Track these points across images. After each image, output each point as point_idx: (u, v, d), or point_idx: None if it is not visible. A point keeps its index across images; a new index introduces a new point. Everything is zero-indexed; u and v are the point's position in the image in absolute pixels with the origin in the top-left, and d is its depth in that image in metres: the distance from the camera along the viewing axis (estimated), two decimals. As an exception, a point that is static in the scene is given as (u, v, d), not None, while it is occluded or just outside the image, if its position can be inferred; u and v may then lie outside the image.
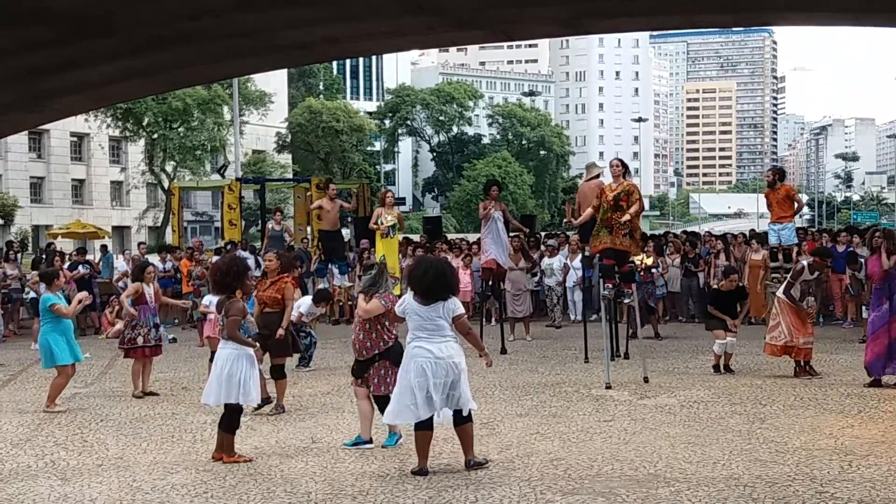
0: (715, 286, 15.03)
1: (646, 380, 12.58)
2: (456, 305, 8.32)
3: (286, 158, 78.81)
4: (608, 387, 12.15)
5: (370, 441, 9.24)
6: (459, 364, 8.18)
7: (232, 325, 8.95)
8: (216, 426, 9.13)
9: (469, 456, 8.35)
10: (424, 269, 8.44)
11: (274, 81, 68.28)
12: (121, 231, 67.20)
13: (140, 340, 12.53)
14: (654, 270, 18.67)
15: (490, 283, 16.76)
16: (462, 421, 8.28)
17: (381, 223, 16.82)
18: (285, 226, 23.12)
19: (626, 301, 14.06)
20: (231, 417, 8.92)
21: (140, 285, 12.83)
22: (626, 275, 13.70)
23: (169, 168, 57.35)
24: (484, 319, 19.81)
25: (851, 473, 7.96)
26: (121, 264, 24.21)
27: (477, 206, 17.46)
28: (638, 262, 17.03)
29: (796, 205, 15.98)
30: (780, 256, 15.86)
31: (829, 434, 9.45)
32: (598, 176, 15.64)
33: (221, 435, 8.91)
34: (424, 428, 8.22)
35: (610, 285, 13.32)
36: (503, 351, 15.88)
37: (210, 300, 12.39)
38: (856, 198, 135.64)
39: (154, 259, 23.41)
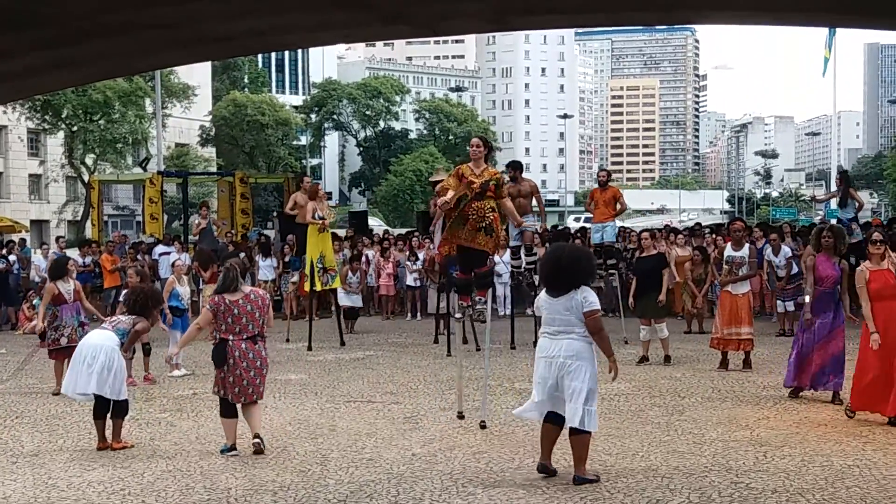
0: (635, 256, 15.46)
1: (460, 415, 10.23)
2: (588, 299, 7.55)
3: (210, 152, 77.80)
4: (461, 415, 10.22)
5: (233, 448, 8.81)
6: (574, 367, 7.50)
7: (135, 338, 9.79)
8: (133, 421, 9.51)
9: (577, 472, 7.63)
10: (549, 257, 7.98)
11: (197, 74, 67.20)
12: (39, 225, 65.67)
13: (64, 341, 12.13)
14: None
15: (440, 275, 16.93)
16: (573, 431, 7.60)
17: (320, 217, 16.10)
18: (211, 219, 22.82)
19: (478, 308, 10.38)
20: (123, 406, 9.26)
21: (54, 286, 12.33)
22: (481, 278, 10.49)
23: (89, 161, 56.13)
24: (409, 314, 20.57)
25: (766, 464, 8.13)
26: (39, 259, 23.64)
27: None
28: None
29: (619, 206, 16.96)
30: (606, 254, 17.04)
31: (745, 426, 9.64)
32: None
33: (113, 422, 9.19)
34: (547, 422, 7.80)
35: (465, 304, 10.46)
36: (436, 341, 16.86)
37: None
38: (775, 194, 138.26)
39: (74, 254, 23.02)
